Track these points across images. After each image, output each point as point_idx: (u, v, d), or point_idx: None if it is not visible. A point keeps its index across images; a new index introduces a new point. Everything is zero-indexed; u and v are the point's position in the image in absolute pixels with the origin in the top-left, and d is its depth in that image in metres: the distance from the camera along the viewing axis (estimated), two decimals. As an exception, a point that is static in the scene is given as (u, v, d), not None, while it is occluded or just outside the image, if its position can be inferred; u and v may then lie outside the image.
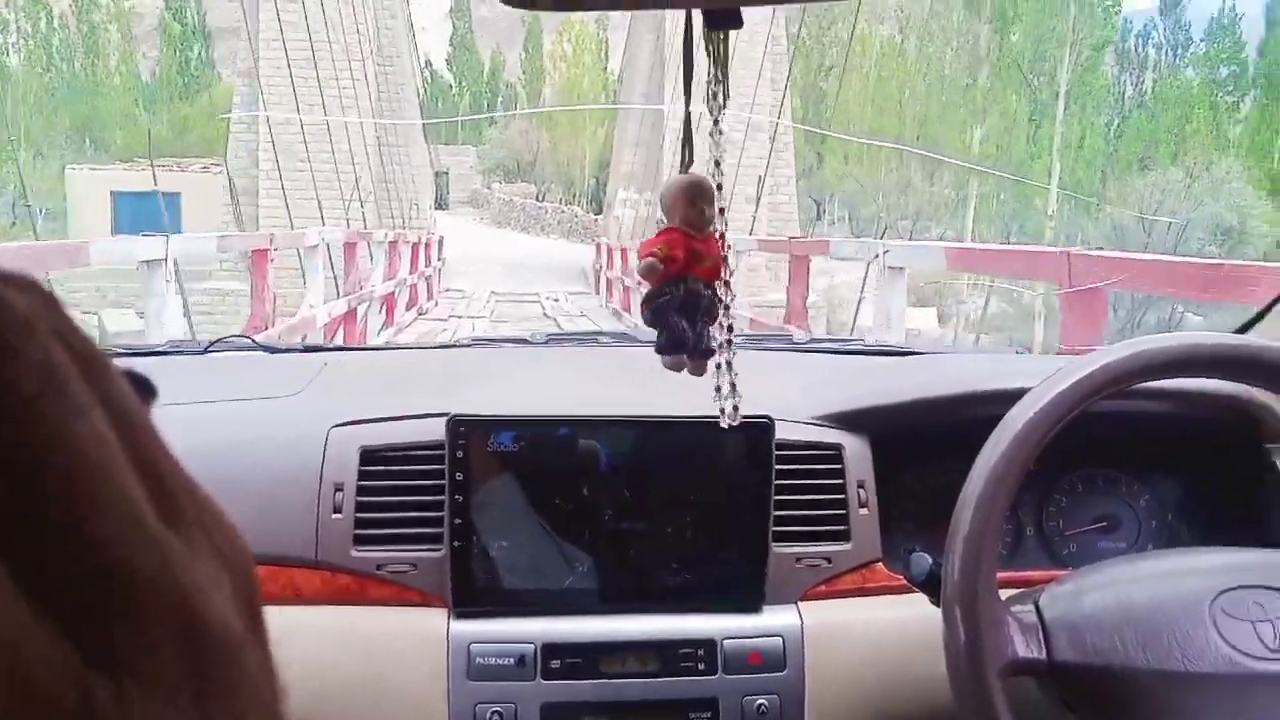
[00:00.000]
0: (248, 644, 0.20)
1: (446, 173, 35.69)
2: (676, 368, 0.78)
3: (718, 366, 0.77)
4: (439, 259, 15.95)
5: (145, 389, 0.21)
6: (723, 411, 0.77)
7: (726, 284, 0.74)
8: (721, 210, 0.73)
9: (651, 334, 0.78)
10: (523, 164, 37.53)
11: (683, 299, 0.75)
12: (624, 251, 14.40)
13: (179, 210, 18.68)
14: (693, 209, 0.72)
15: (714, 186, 0.72)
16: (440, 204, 33.18)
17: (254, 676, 0.20)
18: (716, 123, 0.70)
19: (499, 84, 42.43)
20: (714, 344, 0.77)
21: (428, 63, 38.14)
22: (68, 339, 0.19)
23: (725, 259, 0.74)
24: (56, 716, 0.16)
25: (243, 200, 16.78)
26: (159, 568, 0.18)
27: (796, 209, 18.82)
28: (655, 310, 0.76)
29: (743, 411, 1.00)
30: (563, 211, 31.68)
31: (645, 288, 0.74)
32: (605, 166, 32.58)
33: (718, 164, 0.71)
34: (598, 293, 16.98)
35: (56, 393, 0.18)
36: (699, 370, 0.78)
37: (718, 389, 0.78)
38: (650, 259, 0.73)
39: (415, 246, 13.04)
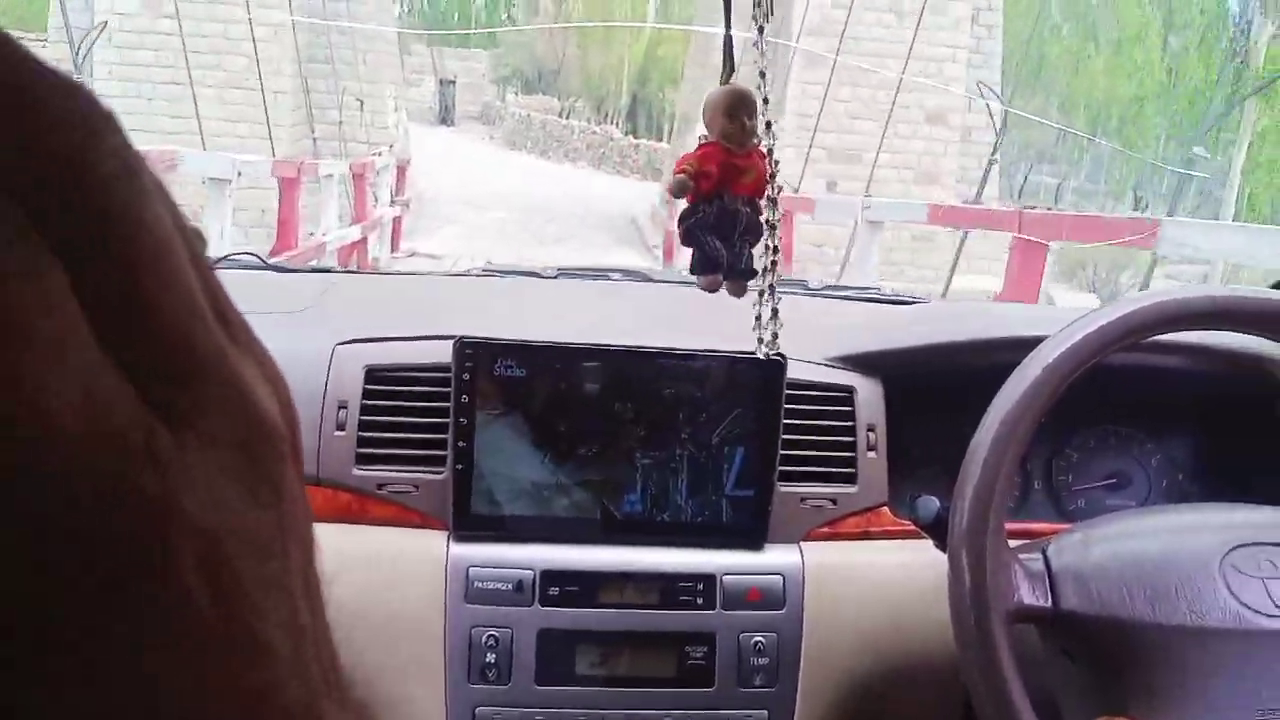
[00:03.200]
0: (291, 462, 0.21)
1: (453, 81, 30.40)
2: (711, 288, 0.77)
3: (760, 293, 0.75)
4: (396, 199, 10.20)
5: (199, 237, 0.22)
6: (760, 340, 0.76)
7: (773, 201, 0.73)
8: (769, 124, 0.71)
9: (668, 272, 0.76)
10: (545, 73, 31.34)
11: (716, 217, 0.73)
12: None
13: None
14: (732, 123, 0.71)
15: (757, 99, 0.70)
16: (445, 118, 29.39)
17: (295, 493, 0.21)
18: (761, 31, 0.68)
19: None
20: (755, 265, 0.76)
21: None
22: (136, 155, 0.20)
23: (772, 175, 0.72)
24: (122, 450, 0.17)
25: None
26: (216, 354, 0.19)
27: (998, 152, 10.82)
28: (688, 229, 0.75)
29: (754, 349, 1.00)
30: (594, 133, 24.69)
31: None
32: (648, 80, 27.56)
33: (763, 75, 0.69)
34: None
35: (130, 176, 0.18)
36: (738, 291, 0.77)
37: (758, 317, 0.76)
38: (681, 175, 0.71)
39: (289, 182, 6.74)
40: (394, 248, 9.89)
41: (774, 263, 0.74)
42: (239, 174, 5.32)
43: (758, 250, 0.77)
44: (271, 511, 0.20)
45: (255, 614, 0.19)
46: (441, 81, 29.76)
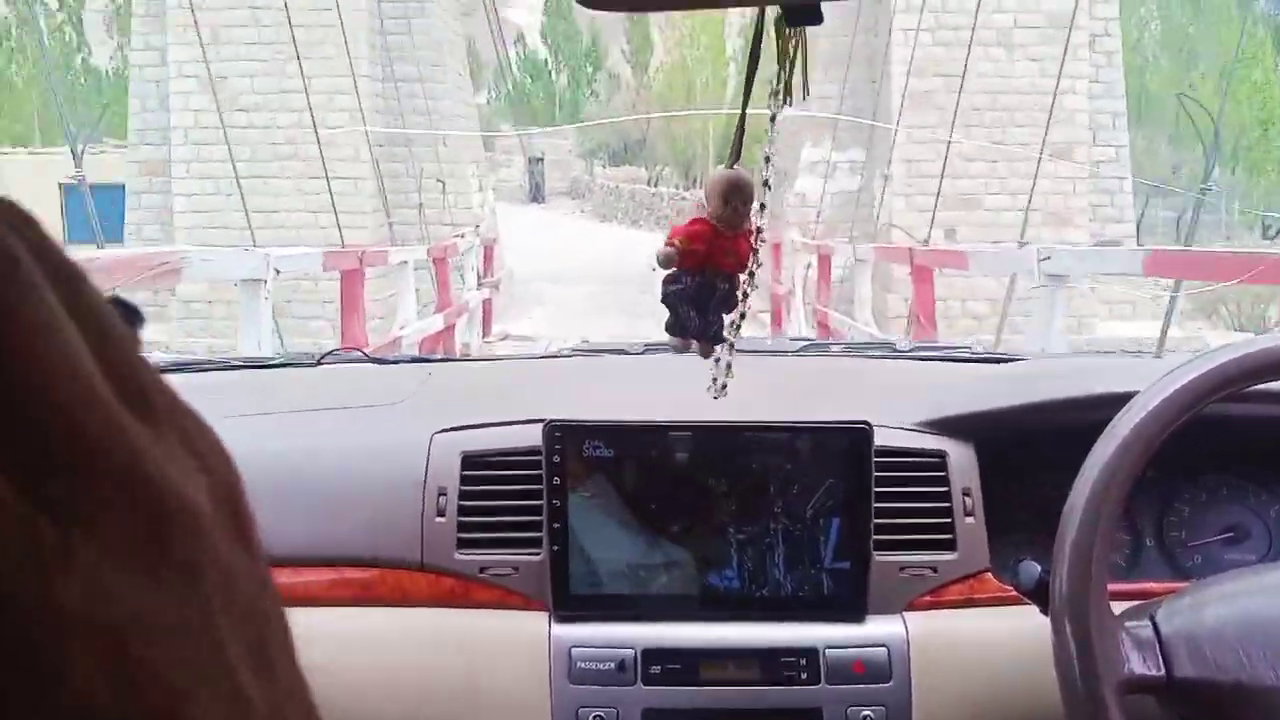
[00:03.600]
0: (221, 540, 0.20)
1: (541, 159, 30.04)
2: (681, 350, 0.84)
3: (724, 346, 0.82)
4: (484, 281, 9.36)
5: (131, 314, 0.22)
6: (717, 385, 0.83)
7: (750, 275, 0.79)
8: (763, 206, 0.75)
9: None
10: (630, 144, 30.55)
11: (695, 290, 0.80)
12: (825, 259, 8.07)
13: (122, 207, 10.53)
14: (726, 207, 0.76)
15: (753, 184, 0.75)
16: (535, 196, 29.31)
17: (227, 571, 0.20)
18: (773, 119, 0.71)
19: (601, 55, 35.32)
20: (725, 333, 0.83)
21: (520, 37, 32.70)
22: (38, 245, 0.20)
23: (755, 251, 0.77)
24: (1, 553, 0.17)
25: (154, 186, 10.14)
26: (112, 432, 0.19)
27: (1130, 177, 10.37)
28: (667, 295, 0.81)
29: (842, 417, 1.01)
30: (683, 199, 23.84)
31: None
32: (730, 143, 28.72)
33: (768, 160, 0.73)
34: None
35: (6, 264, 0.18)
36: (706, 353, 0.84)
37: (717, 361, 0.84)
38: (669, 249, 0.78)
39: (351, 275, 5.79)
40: (485, 332, 9.20)
41: (737, 325, 0.81)
42: (276, 272, 4.42)
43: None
44: (185, 593, 0.19)
45: (178, 698, 0.19)
46: (530, 160, 29.67)
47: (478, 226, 10.24)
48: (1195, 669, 0.74)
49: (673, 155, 29.61)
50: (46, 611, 0.17)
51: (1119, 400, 0.81)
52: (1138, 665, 0.75)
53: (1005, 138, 8.88)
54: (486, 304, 9.40)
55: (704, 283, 0.79)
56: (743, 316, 0.80)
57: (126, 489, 0.19)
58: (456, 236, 8.97)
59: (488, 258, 10.15)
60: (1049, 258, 4.45)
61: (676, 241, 0.77)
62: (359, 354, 1.48)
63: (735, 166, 0.77)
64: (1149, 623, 0.79)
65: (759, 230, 0.76)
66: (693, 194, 23.84)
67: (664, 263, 0.78)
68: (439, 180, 10.83)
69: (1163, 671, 0.75)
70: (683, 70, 28.83)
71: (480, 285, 9.13)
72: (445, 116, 11.36)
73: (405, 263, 7.02)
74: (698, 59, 28.11)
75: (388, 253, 7.15)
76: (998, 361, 1.35)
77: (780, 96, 0.70)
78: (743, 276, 0.79)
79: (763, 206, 0.75)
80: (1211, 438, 0.88)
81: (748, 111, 0.74)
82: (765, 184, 0.75)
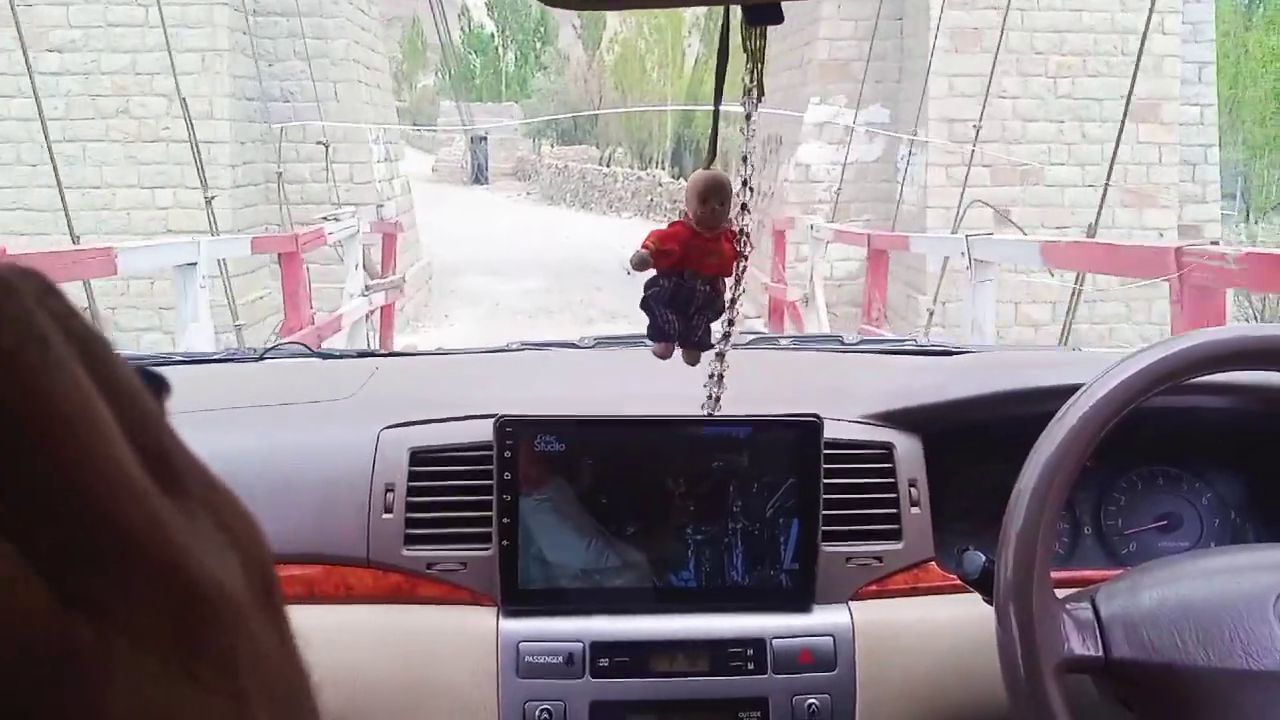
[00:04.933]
0: (254, 620, 0.20)
1: (484, 138, 27.75)
2: (663, 355, 0.82)
3: (717, 355, 0.80)
4: (375, 282, 6.51)
5: (158, 385, 0.22)
6: (709, 398, 0.80)
7: (737, 280, 0.77)
8: (745, 207, 0.74)
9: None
10: (580, 121, 28.53)
11: (673, 292, 0.78)
12: (879, 256, 5.78)
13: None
14: (703, 207, 0.74)
15: (731, 185, 0.74)
16: (478, 177, 28.00)
17: (260, 653, 0.20)
18: (749, 118, 0.71)
19: (549, 31, 33.92)
20: (713, 338, 0.80)
21: (465, 10, 32.21)
22: (63, 319, 0.19)
23: (742, 255, 0.76)
24: (36, 657, 0.16)
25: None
26: (147, 524, 0.18)
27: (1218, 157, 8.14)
28: (645, 299, 0.80)
29: (791, 411, 1.01)
30: (639, 179, 21.65)
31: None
32: (693, 119, 23.72)
33: (745, 159, 0.72)
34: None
35: (35, 344, 0.18)
36: (691, 360, 0.82)
37: (710, 375, 0.81)
38: (641, 251, 0.76)
39: None
40: (382, 346, 6.51)
41: (728, 335, 0.79)
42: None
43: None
44: (219, 693, 0.19)
45: None
46: (472, 139, 27.80)
47: (379, 207, 7.74)
48: (1131, 650, 0.77)
49: (627, 133, 28.13)
50: None
51: (1063, 392, 0.83)
52: (1077, 646, 0.77)
53: (1074, 90, 6.99)
54: (385, 311, 6.84)
55: (681, 285, 0.77)
56: (731, 324, 0.78)
57: (164, 584, 0.18)
58: (325, 218, 6.28)
59: (388, 250, 7.55)
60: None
61: (650, 244, 0.76)
62: (303, 348, 1.46)
63: (713, 166, 0.76)
64: (1089, 605, 0.81)
65: (742, 232, 0.75)
66: (649, 174, 22.24)
67: (637, 265, 0.77)
68: (321, 143, 8.03)
69: (1101, 652, 0.77)
70: (638, 43, 27.64)
71: (369, 289, 6.39)
72: (336, 62, 8.51)
73: (193, 265, 4.08)
74: (656, 26, 26.80)
75: (115, 252, 3.72)
76: (943, 354, 1.37)
77: (754, 94, 0.69)
78: (728, 281, 0.77)
79: (744, 208, 0.74)
80: (1147, 429, 0.90)
81: (720, 109, 0.73)
82: (745, 184, 0.73)
